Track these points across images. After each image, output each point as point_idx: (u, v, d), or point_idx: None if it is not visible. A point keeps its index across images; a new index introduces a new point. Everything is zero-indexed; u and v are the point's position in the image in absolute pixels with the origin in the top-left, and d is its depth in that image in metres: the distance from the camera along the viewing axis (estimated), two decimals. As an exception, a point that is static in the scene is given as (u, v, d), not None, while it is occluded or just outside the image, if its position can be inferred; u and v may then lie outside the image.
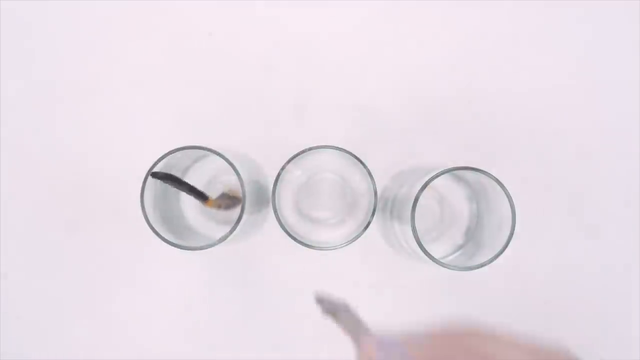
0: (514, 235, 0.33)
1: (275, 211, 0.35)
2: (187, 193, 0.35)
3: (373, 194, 0.36)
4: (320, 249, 0.37)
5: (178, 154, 0.34)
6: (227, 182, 0.42)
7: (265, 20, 0.45)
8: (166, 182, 0.34)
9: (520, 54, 0.45)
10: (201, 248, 0.34)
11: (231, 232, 0.34)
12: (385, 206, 0.40)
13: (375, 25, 0.45)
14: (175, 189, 0.36)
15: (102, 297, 0.46)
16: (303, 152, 0.36)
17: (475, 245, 0.40)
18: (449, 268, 0.34)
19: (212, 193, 0.38)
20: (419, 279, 0.45)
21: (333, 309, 0.30)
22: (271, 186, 0.36)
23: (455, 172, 0.34)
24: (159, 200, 0.36)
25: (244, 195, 0.34)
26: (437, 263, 0.33)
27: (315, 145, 0.36)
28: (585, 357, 0.44)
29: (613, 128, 0.45)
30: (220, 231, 0.35)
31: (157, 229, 0.34)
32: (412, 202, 0.33)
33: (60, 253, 0.45)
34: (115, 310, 0.46)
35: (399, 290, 0.45)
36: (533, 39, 0.45)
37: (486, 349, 0.25)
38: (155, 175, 0.33)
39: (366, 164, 0.36)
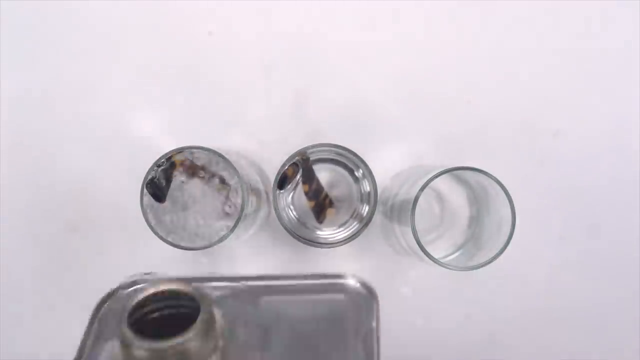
0: (514, 235, 0.33)
1: (276, 211, 0.35)
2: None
3: (373, 193, 0.36)
4: (321, 247, 0.37)
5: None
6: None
7: (265, 19, 0.45)
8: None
9: (520, 53, 0.45)
10: (201, 248, 0.34)
11: (231, 231, 0.34)
12: (385, 206, 0.40)
13: (375, 25, 0.45)
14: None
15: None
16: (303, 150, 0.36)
17: (475, 245, 0.40)
18: (449, 268, 0.34)
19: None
20: (419, 279, 0.45)
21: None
22: (271, 186, 0.36)
23: (455, 172, 0.34)
24: (159, 200, 0.36)
25: (244, 195, 0.34)
26: (437, 263, 0.33)
27: (315, 144, 0.36)
28: (586, 358, 0.44)
29: (613, 128, 0.45)
30: (220, 231, 0.35)
31: (157, 229, 0.34)
32: (412, 202, 0.33)
33: (60, 253, 0.45)
34: (115, 310, 0.45)
35: (399, 290, 0.45)
36: (533, 39, 0.45)
37: None
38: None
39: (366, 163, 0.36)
